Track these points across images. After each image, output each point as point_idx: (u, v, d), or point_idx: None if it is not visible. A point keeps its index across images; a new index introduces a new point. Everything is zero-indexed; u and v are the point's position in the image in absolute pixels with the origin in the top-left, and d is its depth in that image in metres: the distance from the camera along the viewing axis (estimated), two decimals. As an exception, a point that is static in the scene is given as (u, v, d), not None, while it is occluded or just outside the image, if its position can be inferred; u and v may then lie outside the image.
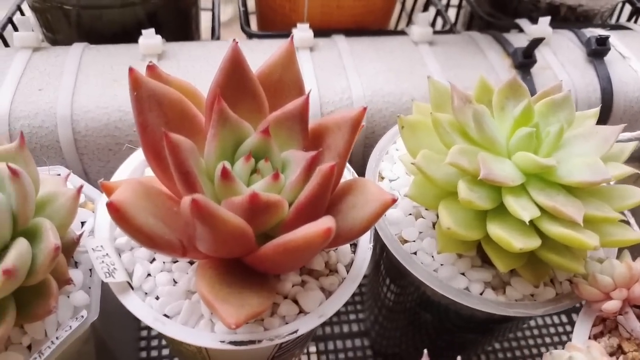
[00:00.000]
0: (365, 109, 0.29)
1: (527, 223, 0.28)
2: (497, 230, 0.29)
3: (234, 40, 0.29)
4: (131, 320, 0.51)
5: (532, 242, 0.28)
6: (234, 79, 0.30)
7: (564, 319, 0.57)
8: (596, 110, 0.34)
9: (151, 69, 0.30)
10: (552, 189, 0.30)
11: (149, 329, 0.53)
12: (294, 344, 0.34)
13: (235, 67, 0.30)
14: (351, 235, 0.29)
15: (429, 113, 0.32)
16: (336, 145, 0.30)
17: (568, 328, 0.56)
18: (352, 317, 0.55)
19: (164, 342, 0.52)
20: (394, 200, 0.27)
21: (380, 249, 0.42)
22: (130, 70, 0.27)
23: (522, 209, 0.28)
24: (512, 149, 0.31)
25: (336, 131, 0.30)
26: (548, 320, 0.56)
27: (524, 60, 0.46)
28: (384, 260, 0.42)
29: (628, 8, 0.65)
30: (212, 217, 0.24)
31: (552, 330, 0.56)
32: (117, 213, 0.24)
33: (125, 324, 0.46)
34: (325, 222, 0.25)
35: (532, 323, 0.56)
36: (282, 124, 0.30)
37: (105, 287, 0.31)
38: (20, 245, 0.26)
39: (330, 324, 0.55)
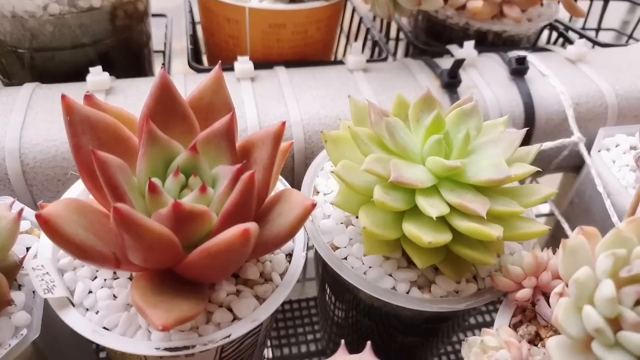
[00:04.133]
0: (284, 123, 0.31)
1: (435, 219, 0.30)
2: (410, 228, 0.31)
3: (162, 66, 0.32)
4: (88, 343, 0.52)
5: (441, 237, 0.31)
6: (164, 103, 0.32)
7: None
8: (505, 119, 0.38)
9: (88, 98, 0.32)
10: (461, 189, 0.33)
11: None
12: (236, 352, 0.36)
13: (164, 92, 0.32)
14: (278, 240, 0.31)
15: (352, 128, 0.35)
16: (262, 158, 0.32)
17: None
18: (310, 337, 0.57)
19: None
20: (314, 205, 0.30)
21: (323, 268, 0.44)
22: (63, 97, 0.29)
23: (430, 206, 0.31)
24: (425, 155, 0.34)
25: (261, 146, 0.32)
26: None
27: (450, 80, 0.49)
28: (327, 278, 0.44)
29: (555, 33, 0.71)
30: (135, 224, 0.26)
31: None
32: (46, 225, 0.26)
33: (80, 347, 0.46)
34: (244, 225, 0.27)
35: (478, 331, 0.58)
36: (210, 141, 0.32)
37: (52, 310, 0.32)
38: (-42, 264, 0.27)
39: (289, 344, 0.56)
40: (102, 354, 0.54)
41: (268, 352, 0.56)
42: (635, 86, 0.54)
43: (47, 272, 0.32)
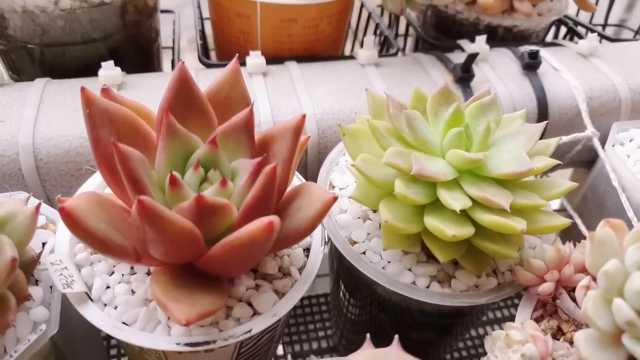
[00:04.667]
0: (304, 116, 0.31)
1: (459, 212, 0.30)
2: (432, 221, 0.31)
3: (181, 60, 0.32)
4: (100, 340, 0.52)
5: (464, 230, 0.30)
6: (182, 97, 0.32)
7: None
8: (523, 112, 0.37)
9: (105, 91, 0.32)
10: (483, 183, 0.33)
11: (118, 348, 0.53)
12: (254, 348, 0.35)
13: (182, 85, 0.32)
14: (299, 234, 0.31)
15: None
16: (281, 151, 0.32)
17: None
18: (321, 334, 0.56)
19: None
20: (335, 199, 0.29)
21: (338, 263, 0.43)
22: (83, 89, 0.29)
23: (453, 199, 0.30)
24: (445, 148, 0.34)
25: (280, 139, 0.32)
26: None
27: (463, 75, 0.49)
28: (342, 273, 0.44)
29: (564, 28, 0.70)
30: (158, 217, 0.25)
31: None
32: (69, 218, 0.25)
33: (93, 344, 0.46)
34: (268, 218, 0.27)
35: (498, 327, 0.58)
36: (229, 135, 0.32)
37: (68, 305, 0.32)
38: (-22, 259, 0.27)
39: (300, 341, 0.55)
40: (113, 352, 0.53)
41: (279, 349, 0.55)
42: (648, 81, 0.53)
43: (66, 267, 0.31)
